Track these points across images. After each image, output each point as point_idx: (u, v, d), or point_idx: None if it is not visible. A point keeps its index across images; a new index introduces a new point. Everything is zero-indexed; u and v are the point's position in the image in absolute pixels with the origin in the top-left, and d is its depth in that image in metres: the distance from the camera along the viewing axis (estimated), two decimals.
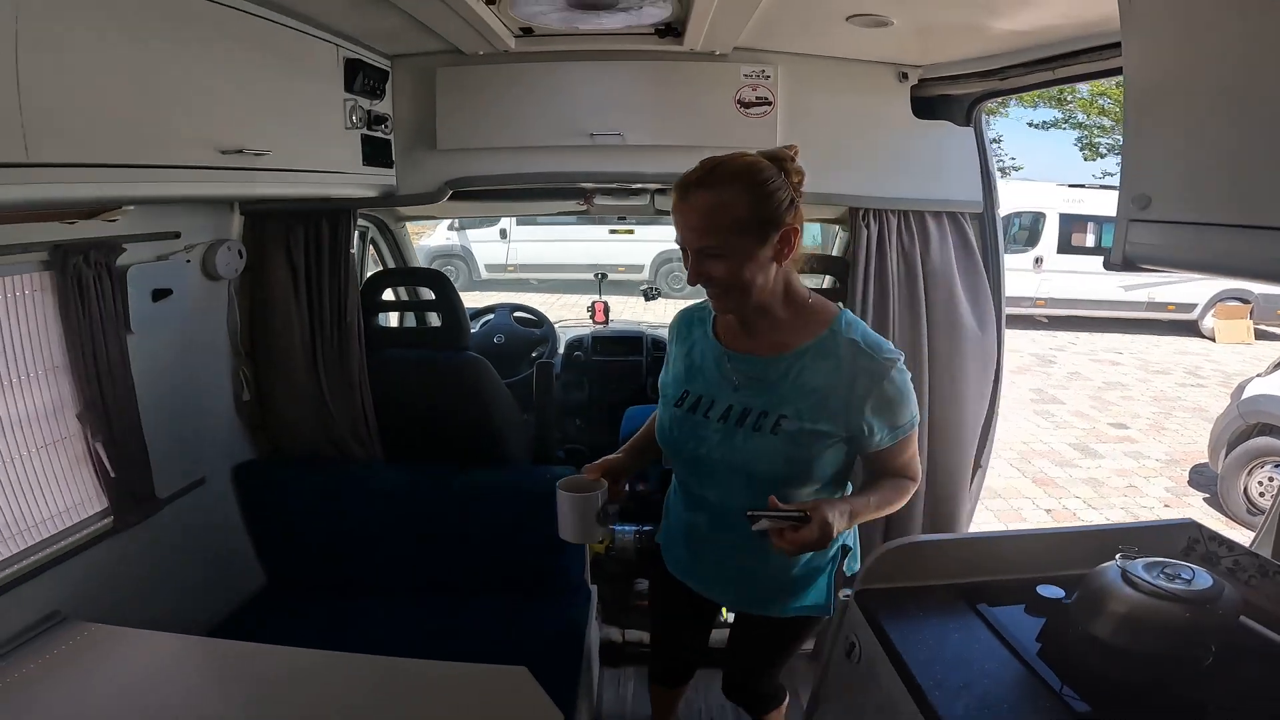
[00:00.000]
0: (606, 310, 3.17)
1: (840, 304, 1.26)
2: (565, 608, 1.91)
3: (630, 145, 1.88)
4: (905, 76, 1.93)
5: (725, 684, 1.61)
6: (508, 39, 1.72)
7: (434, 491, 1.95)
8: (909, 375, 1.17)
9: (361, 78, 1.66)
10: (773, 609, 1.33)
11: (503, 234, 9.31)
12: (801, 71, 1.91)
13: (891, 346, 1.17)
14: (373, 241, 2.90)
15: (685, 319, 1.35)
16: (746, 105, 1.90)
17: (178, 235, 1.69)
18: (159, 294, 1.64)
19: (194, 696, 1.19)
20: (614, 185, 2.50)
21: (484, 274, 9.38)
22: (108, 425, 1.55)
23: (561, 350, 3.11)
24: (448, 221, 9.39)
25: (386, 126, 1.82)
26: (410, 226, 3.21)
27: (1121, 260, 0.91)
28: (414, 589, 1.94)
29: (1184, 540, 1.25)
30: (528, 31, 1.75)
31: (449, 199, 2.49)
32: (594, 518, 1.24)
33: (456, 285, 2.09)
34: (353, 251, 1.98)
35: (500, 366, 2.20)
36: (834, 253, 2.50)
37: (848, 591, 1.27)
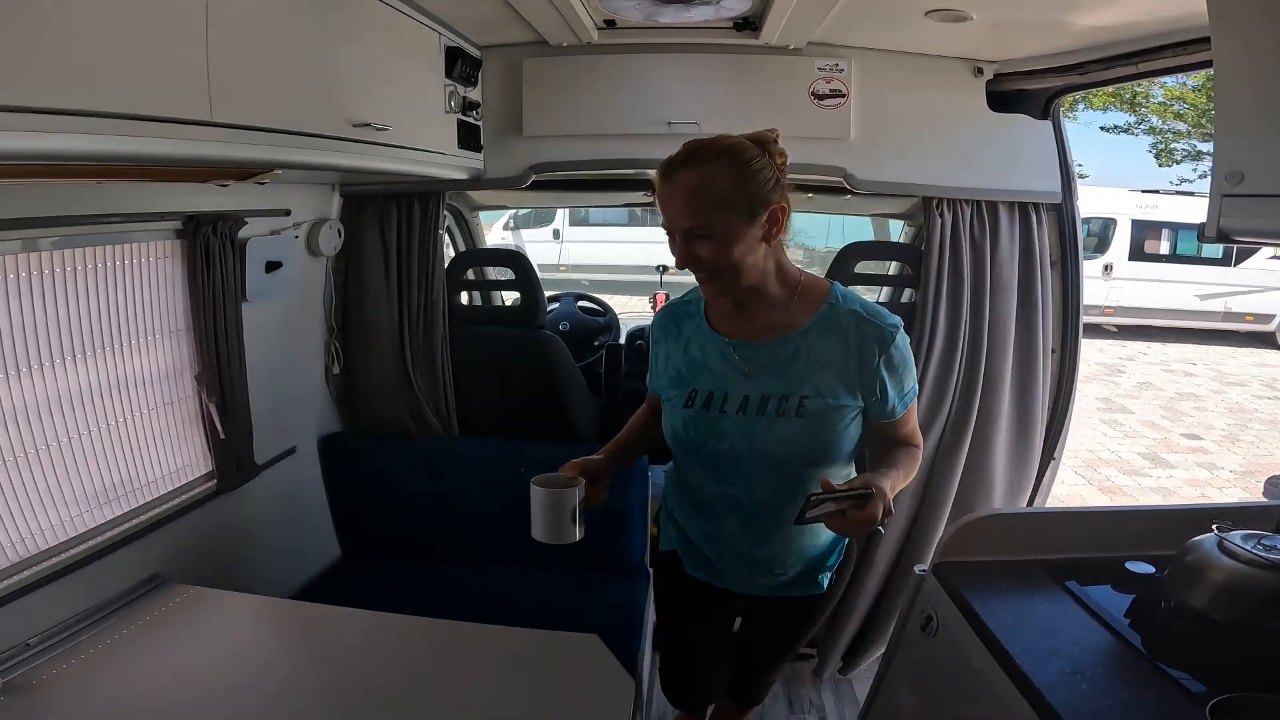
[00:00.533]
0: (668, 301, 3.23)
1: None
2: (626, 586, 1.96)
3: (706, 134, 1.93)
4: (980, 71, 1.94)
5: (731, 684, 1.53)
6: (592, 30, 1.79)
7: (507, 466, 2.01)
8: (907, 339, 1.17)
9: (460, 64, 1.75)
10: (809, 588, 1.29)
11: (556, 234, 9.47)
12: (875, 66, 1.94)
13: (890, 314, 1.16)
14: (449, 229, 3.03)
15: (671, 315, 1.27)
16: (820, 97, 1.93)
17: (288, 213, 1.82)
18: (271, 266, 1.76)
19: (282, 658, 1.27)
20: None
21: (537, 274, 9.60)
22: (220, 389, 1.66)
23: (623, 340, 3.18)
24: (501, 221, 9.61)
25: (477, 113, 1.91)
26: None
27: (1215, 234, 0.93)
28: (483, 560, 2.01)
29: (1278, 517, 1.23)
30: (610, 24, 1.82)
31: (526, 189, 2.61)
32: (569, 517, 1.17)
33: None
34: (442, 232, 2.10)
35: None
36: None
37: (922, 567, 1.28)
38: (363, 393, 2.18)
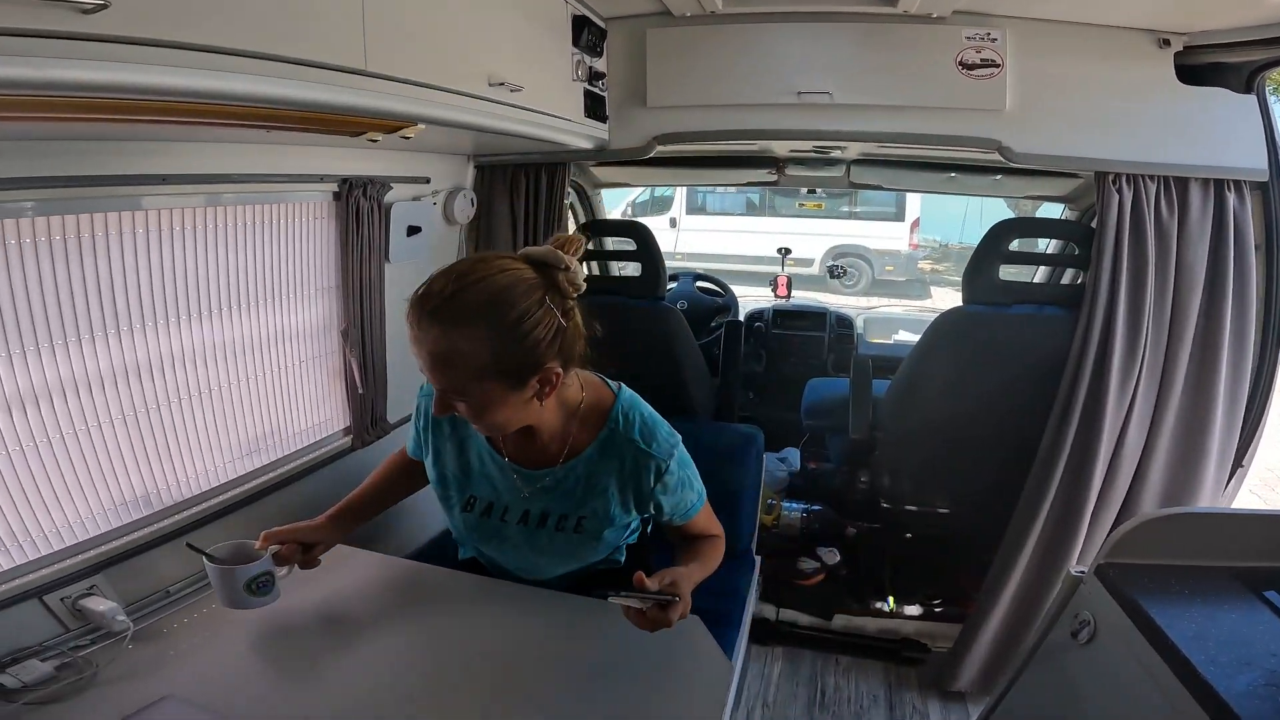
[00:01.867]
0: (790, 284, 3.15)
1: (618, 389, 1.23)
2: (732, 571, 1.86)
3: (838, 104, 1.84)
4: (1167, 43, 1.72)
5: None
6: (716, 0, 1.75)
7: None
8: (686, 454, 1.21)
9: (586, 33, 1.76)
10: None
11: (672, 222, 9.46)
12: (1035, 35, 1.77)
13: (666, 431, 1.17)
14: (571, 206, 3.10)
15: (429, 409, 1.15)
16: (969, 67, 1.79)
17: (428, 180, 1.92)
18: (412, 230, 1.86)
19: (393, 617, 1.28)
20: (810, 153, 2.45)
21: (658, 245, 9.67)
22: (362, 344, 1.77)
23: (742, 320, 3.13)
24: (620, 209, 9.74)
25: (603, 83, 1.93)
26: None
27: None
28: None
29: None
30: None
31: (648, 166, 2.59)
32: (242, 589, 1.15)
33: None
34: (567, 202, 2.13)
35: None
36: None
37: (1079, 569, 1.15)
38: None
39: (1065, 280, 2.00)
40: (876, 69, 1.81)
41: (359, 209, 1.67)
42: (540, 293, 0.97)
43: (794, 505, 2.31)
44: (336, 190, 1.63)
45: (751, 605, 1.92)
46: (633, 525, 1.27)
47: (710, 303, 3.17)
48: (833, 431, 2.62)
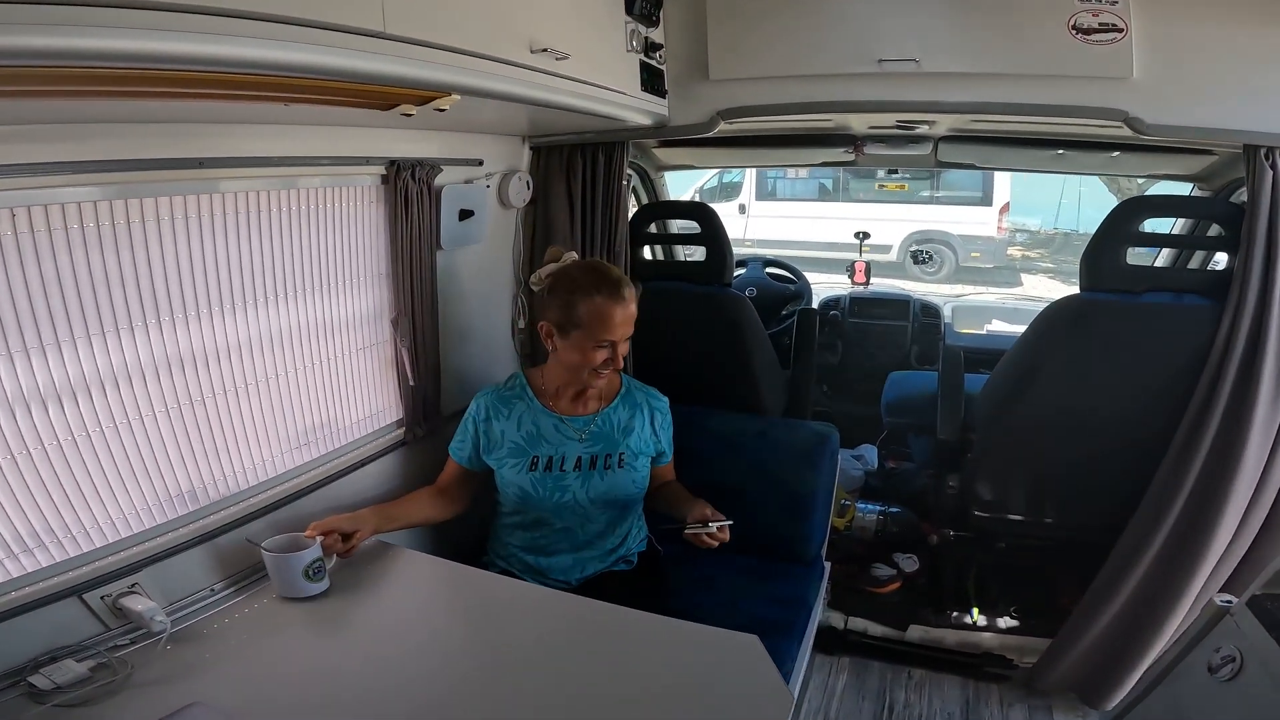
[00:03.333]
0: (868, 271, 2.94)
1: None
2: (798, 578, 1.78)
3: (926, 73, 1.65)
4: None
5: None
6: None
7: (686, 431, 1.91)
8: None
9: (640, 1, 1.63)
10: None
11: (741, 209, 9.21)
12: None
13: (658, 393, 1.64)
14: (634, 189, 2.98)
15: (498, 398, 1.57)
16: (1085, 31, 1.57)
17: (480, 163, 1.83)
18: (464, 214, 1.78)
19: (439, 620, 1.30)
20: (892, 129, 2.24)
21: (724, 228, 9.47)
22: (413, 334, 1.71)
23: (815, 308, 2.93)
24: (687, 195, 9.57)
25: (660, 55, 1.79)
26: None
27: None
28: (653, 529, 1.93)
29: None
30: None
31: (714, 146, 2.42)
32: (299, 576, 1.26)
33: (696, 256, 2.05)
34: (625, 183, 2.01)
35: None
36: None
37: (1227, 599, 1.00)
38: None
39: (1195, 265, 1.73)
40: (971, 33, 1.61)
41: (408, 192, 1.60)
42: None
43: (869, 507, 2.17)
44: (384, 173, 1.57)
45: (818, 614, 1.81)
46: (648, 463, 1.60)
47: (781, 289, 2.99)
48: (917, 430, 2.47)
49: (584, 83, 1.41)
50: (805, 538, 1.78)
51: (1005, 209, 8.53)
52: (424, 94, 1.06)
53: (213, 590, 1.30)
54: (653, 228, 2.32)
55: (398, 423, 1.78)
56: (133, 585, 1.19)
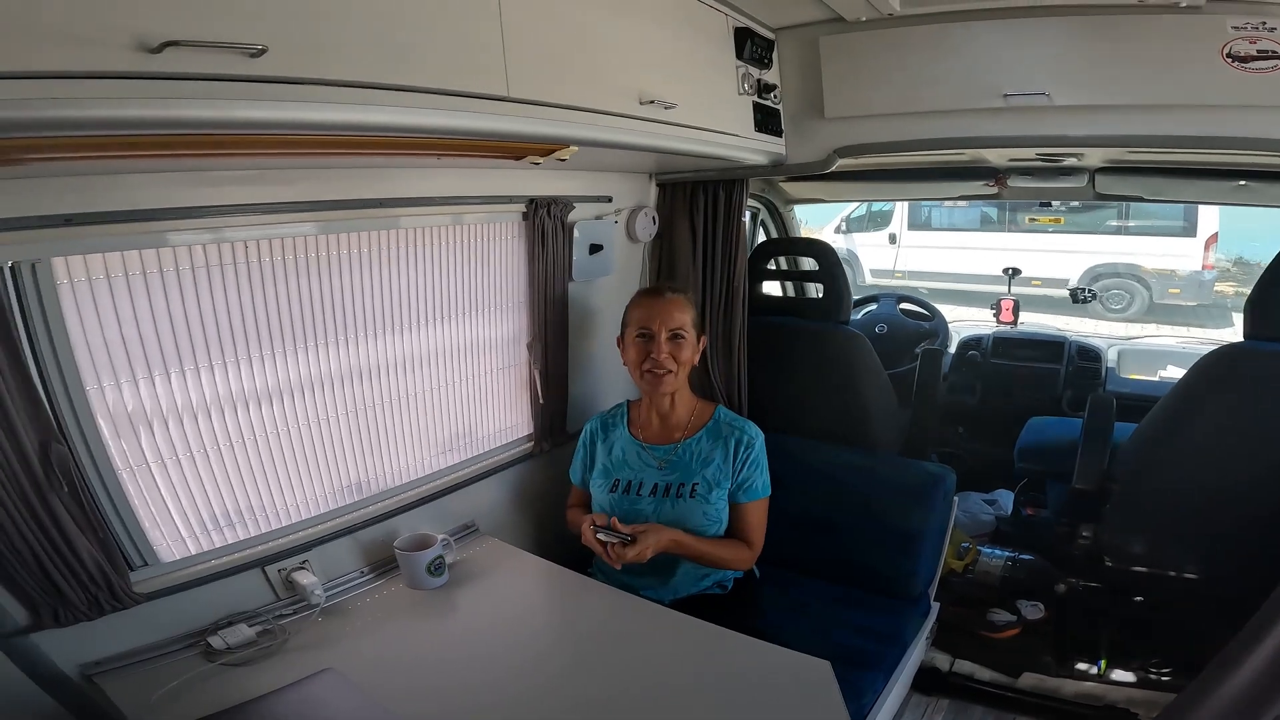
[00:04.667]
0: (1016, 309, 2.74)
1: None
2: (898, 614, 1.74)
3: (1057, 106, 1.57)
4: None
5: None
6: (892, 1, 1.59)
7: (797, 465, 1.91)
8: (764, 449, 1.60)
9: (750, 45, 1.69)
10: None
11: (892, 238, 8.81)
12: None
13: (754, 426, 1.62)
14: (762, 223, 3.02)
15: (602, 424, 1.73)
16: (1242, 60, 1.45)
17: (610, 199, 1.99)
18: (594, 248, 1.94)
19: (542, 620, 1.43)
20: (1035, 162, 2.12)
21: (869, 278, 9.04)
22: (544, 358, 1.87)
23: (953, 349, 2.78)
24: (834, 225, 9.33)
25: (775, 95, 1.84)
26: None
27: None
28: (761, 555, 1.94)
29: None
30: None
31: (843, 180, 2.41)
32: (422, 570, 1.46)
33: None
34: (744, 219, 2.07)
35: (880, 358, 2.08)
36: None
37: None
38: None
39: None
40: (1108, 64, 1.53)
41: (544, 228, 1.77)
42: None
43: (996, 552, 2.09)
44: (525, 210, 1.75)
45: (918, 652, 1.78)
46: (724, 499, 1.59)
47: (914, 327, 2.88)
48: (1052, 477, 2.32)
49: (693, 128, 1.51)
50: (909, 575, 1.73)
51: (1213, 240, 7.41)
52: (545, 147, 1.21)
53: (360, 573, 1.52)
54: (772, 264, 2.34)
55: (528, 437, 1.96)
56: (304, 561, 1.44)
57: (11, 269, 1.03)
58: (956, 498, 1.76)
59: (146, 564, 1.26)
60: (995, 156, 2.14)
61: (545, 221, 1.77)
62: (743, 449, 1.58)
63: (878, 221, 9.11)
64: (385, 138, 0.98)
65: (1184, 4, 1.43)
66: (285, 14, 0.83)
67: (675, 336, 1.58)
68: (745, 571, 1.65)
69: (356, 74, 0.90)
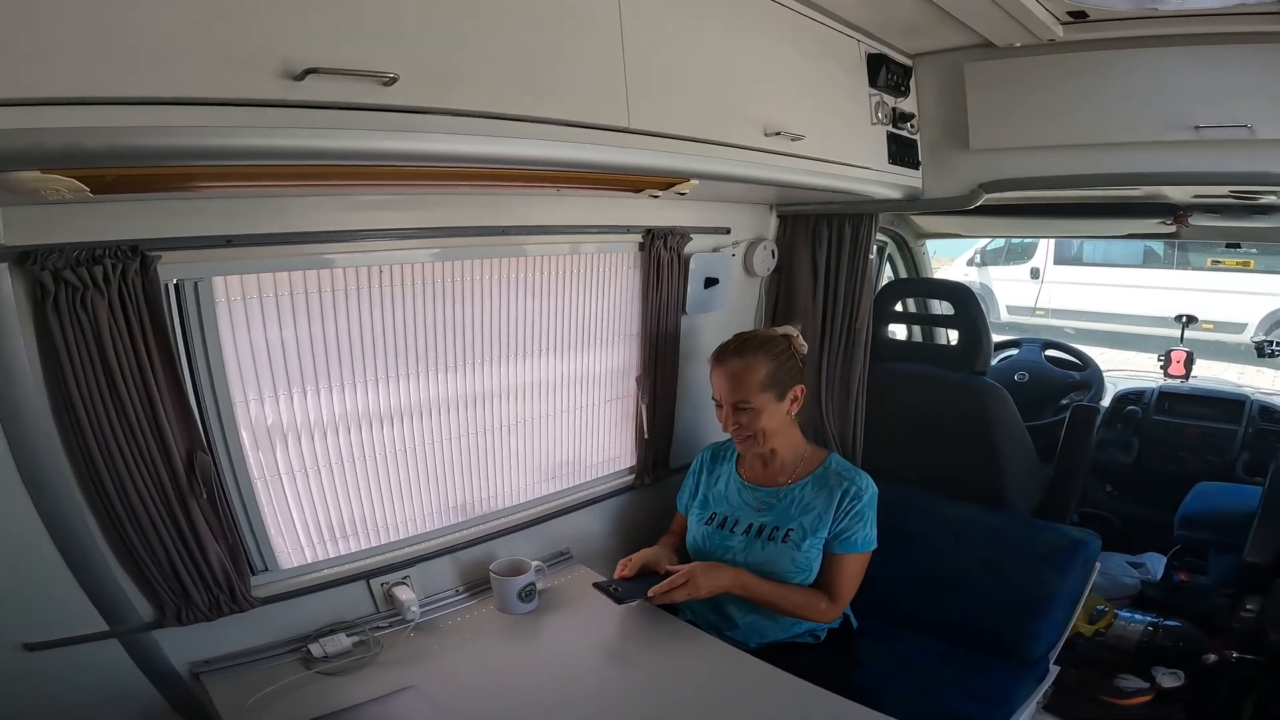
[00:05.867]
0: (1190, 361, 2.42)
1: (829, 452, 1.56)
2: (1010, 676, 1.59)
3: (1260, 139, 1.39)
4: None
5: None
6: (1054, 27, 1.46)
7: (917, 518, 1.78)
8: (874, 504, 1.51)
9: (885, 73, 1.61)
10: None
11: (1034, 273, 8.09)
12: None
13: (867, 478, 1.52)
14: (890, 258, 2.85)
15: (713, 455, 1.70)
16: None
17: (728, 230, 1.93)
18: (709, 282, 1.89)
19: (626, 653, 1.39)
20: (1225, 199, 1.85)
21: (1004, 315, 8.34)
22: (653, 392, 1.84)
23: (1106, 402, 2.48)
24: (966, 257, 8.74)
25: (912, 125, 1.73)
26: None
27: None
28: (864, 605, 1.80)
29: None
30: (1079, 15, 1.45)
31: (984, 214, 2.23)
32: (513, 596, 1.48)
33: None
34: (871, 257, 1.95)
35: (1018, 408, 1.90)
36: None
37: None
38: None
39: None
40: None
41: (660, 259, 1.75)
42: (786, 343, 1.53)
43: (1136, 617, 1.95)
44: (641, 240, 1.73)
45: (1027, 717, 1.63)
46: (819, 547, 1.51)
47: (1061, 377, 2.60)
48: (1219, 547, 2.11)
49: (820, 160, 1.44)
50: (1032, 638, 1.58)
51: None
52: (665, 180, 1.18)
53: (456, 591, 1.55)
54: (900, 306, 2.20)
55: (630, 469, 1.93)
56: (405, 577, 1.47)
57: (176, 286, 1.12)
58: (1098, 562, 1.59)
59: (266, 569, 1.34)
60: (1177, 192, 1.90)
61: (661, 253, 1.75)
62: (848, 499, 1.48)
63: (1018, 254, 8.44)
64: (504, 170, 0.99)
65: None
66: (415, 42, 0.86)
67: (740, 408, 1.49)
68: (841, 621, 1.56)
69: (481, 104, 0.91)
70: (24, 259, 0.95)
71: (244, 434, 1.25)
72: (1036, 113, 1.61)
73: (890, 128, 1.68)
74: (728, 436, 1.67)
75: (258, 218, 1.14)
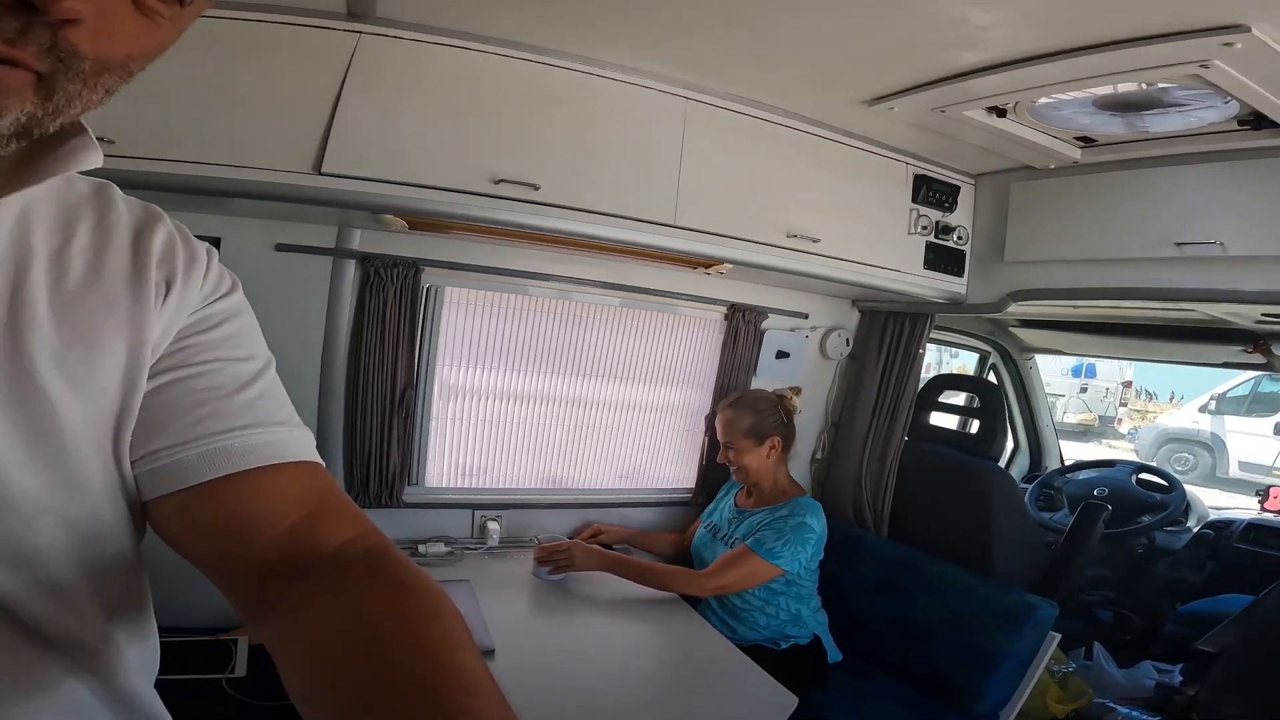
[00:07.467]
0: None
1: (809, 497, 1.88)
2: None
3: (1232, 256, 1.53)
4: None
5: None
6: (1070, 151, 1.71)
7: (907, 571, 2.02)
8: (810, 532, 1.79)
9: (926, 190, 1.95)
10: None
11: (1279, 428, 6.97)
12: None
13: (817, 511, 1.84)
14: (993, 366, 3.05)
15: (727, 487, 2.13)
16: None
17: (806, 316, 2.39)
18: (780, 354, 2.37)
19: (623, 624, 1.70)
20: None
21: (1234, 471, 7.20)
22: (713, 432, 2.28)
23: (1194, 525, 2.46)
24: (1199, 402, 7.76)
25: (958, 237, 2.03)
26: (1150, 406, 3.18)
27: None
28: (850, 643, 1.98)
29: None
30: (1089, 141, 1.69)
31: (1074, 331, 2.46)
32: (544, 569, 1.82)
33: (1189, 477, 2.13)
34: (921, 351, 2.28)
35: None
36: None
37: None
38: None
39: None
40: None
41: (738, 328, 2.28)
42: (773, 403, 1.98)
43: (1134, 713, 1.93)
44: (726, 312, 2.28)
45: None
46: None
47: (1143, 497, 2.59)
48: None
49: (839, 259, 1.86)
50: (979, 693, 1.72)
51: None
52: (705, 262, 1.77)
53: (521, 541, 2.08)
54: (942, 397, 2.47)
55: (688, 489, 2.40)
56: (498, 516, 2.09)
57: (428, 289, 1.90)
58: (1056, 634, 1.70)
59: (417, 484, 2.03)
60: (1243, 317, 1.97)
61: (740, 324, 2.27)
62: (781, 519, 1.81)
63: (1266, 405, 7.33)
64: (603, 244, 1.66)
65: None
66: (554, 168, 1.55)
67: (727, 447, 1.95)
68: (813, 644, 1.82)
69: (586, 204, 1.58)
70: (364, 260, 1.79)
71: (436, 386, 2.00)
72: (1058, 229, 1.83)
73: (931, 238, 2.00)
74: None
75: (477, 254, 1.89)
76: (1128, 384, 10.37)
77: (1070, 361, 9.75)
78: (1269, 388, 7.13)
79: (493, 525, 2.07)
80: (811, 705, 1.59)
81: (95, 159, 0.45)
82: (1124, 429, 9.96)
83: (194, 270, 0.52)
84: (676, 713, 1.34)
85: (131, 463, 0.48)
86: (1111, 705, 2.04)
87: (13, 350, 0.42)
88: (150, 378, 0.48)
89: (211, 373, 0.51)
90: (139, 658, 0.51)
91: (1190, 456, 7.51)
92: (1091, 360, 9.54)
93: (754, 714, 1.30)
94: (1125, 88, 1.36)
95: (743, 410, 1.95)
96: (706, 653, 1.57)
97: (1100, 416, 10.12)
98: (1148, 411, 10.67)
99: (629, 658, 1.55)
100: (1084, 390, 10.06)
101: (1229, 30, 1.05)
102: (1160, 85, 1.34)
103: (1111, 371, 10.03)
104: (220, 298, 0.54)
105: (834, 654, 1.88)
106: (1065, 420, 9.62)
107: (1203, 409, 7.65)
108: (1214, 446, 7.45)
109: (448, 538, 2.02)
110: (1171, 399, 10.46)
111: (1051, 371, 9.89)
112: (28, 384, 0.42)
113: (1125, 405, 10.46)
